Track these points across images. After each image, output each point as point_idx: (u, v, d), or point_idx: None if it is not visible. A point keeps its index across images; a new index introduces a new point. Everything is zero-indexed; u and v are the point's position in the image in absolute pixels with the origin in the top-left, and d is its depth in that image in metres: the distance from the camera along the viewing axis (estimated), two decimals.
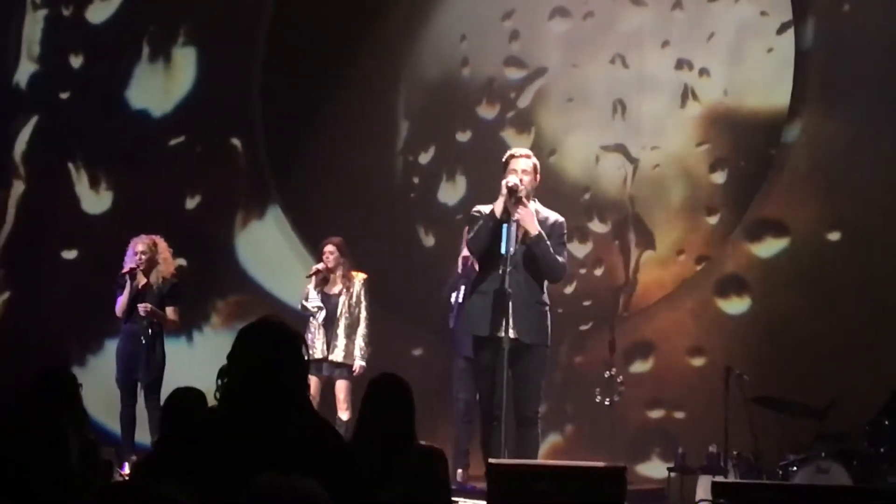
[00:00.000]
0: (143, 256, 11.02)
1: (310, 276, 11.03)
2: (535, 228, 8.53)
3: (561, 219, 8.83)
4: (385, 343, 11.49)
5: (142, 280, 10.99)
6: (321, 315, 10.90)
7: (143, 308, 10.87)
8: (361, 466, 4.71)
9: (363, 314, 11.01)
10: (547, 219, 8.74)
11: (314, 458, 4.22)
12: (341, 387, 10.86)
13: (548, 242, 8.56)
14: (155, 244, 11.13)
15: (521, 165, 8.72)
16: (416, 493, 5.34)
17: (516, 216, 8.49)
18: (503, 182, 8.58)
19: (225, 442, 4.29)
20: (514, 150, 8.95)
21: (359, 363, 10.87)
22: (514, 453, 8.45)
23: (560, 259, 8.67)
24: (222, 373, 4.44)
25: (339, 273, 11.01)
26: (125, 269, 10.99)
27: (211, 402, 4.49)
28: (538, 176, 8.80)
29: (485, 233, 8.57)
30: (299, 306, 11.11)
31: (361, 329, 10.98)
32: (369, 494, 4.56)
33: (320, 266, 10.99)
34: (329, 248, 11.03)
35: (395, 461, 5.37)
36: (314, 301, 10.98)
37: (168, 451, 5.87)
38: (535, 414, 8.68)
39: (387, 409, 5.57)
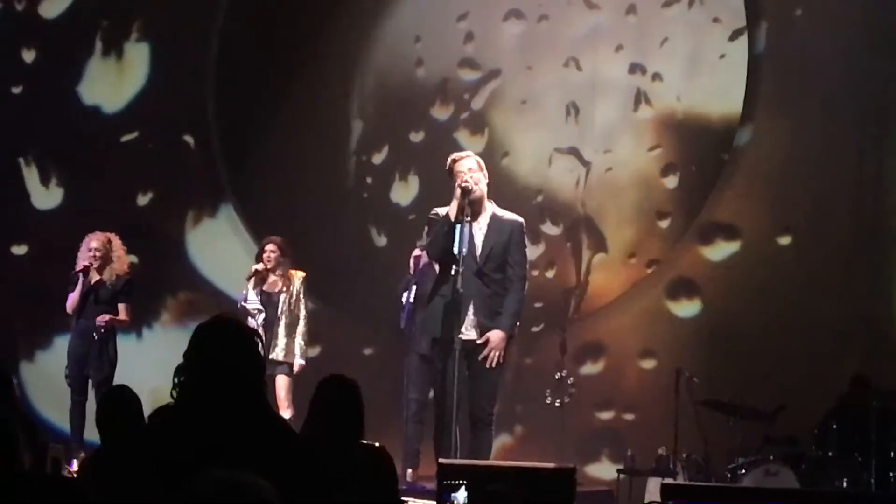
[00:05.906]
0: (98, 253, 10.96)
1: (249, 277, 11.00)
2: (501, 350, 8.62)
3: (519, 220, 8.83)
4: (336, 342, 11.48)
5: (94, 277, 10.94)
6: (261, 317, 10.89)
7: (101, 321, 10.79)
8: (310, 466, 4.70)
9: (302, 312, 10.98)
10: (503, 221, 8.76)
11: (271, 457, 4.21)
12: (282, 384, 10.82)
13: (513, 328, 8.71)
14: (110, 241, 11.07)
15: (467, 165, 8.71)
16: (363, 493, 5.33)
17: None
18: (457, 184, 8.59)
19: (182, 440, 4.27)
20: (455, 155, 8.94)
21: (299, 361, 10.85)
22: (467, 454, 8.44)
23: (516, 296, 8.71)
24: (179, 371, 4.41)
25: (278, 272, 10.98)
26: (78, 267, 10.94)
27: (167, 399, 4.45)
28: (486, 173, 8.80)
29: (441, 236, 8.58)
30: (238, 306, 11.06)
31: (301, 327, 10.95)
32: (319, 494, 4.55)
33: (259, 267, 10.96)
34: (270, 247, 10.98)
35: (341, 461, 5.36)
36: (254, 303, 10.95)
37: (118, 449, 5.85)
38: (489, 416, 8.68)
39: (335, 411, 5.55)
